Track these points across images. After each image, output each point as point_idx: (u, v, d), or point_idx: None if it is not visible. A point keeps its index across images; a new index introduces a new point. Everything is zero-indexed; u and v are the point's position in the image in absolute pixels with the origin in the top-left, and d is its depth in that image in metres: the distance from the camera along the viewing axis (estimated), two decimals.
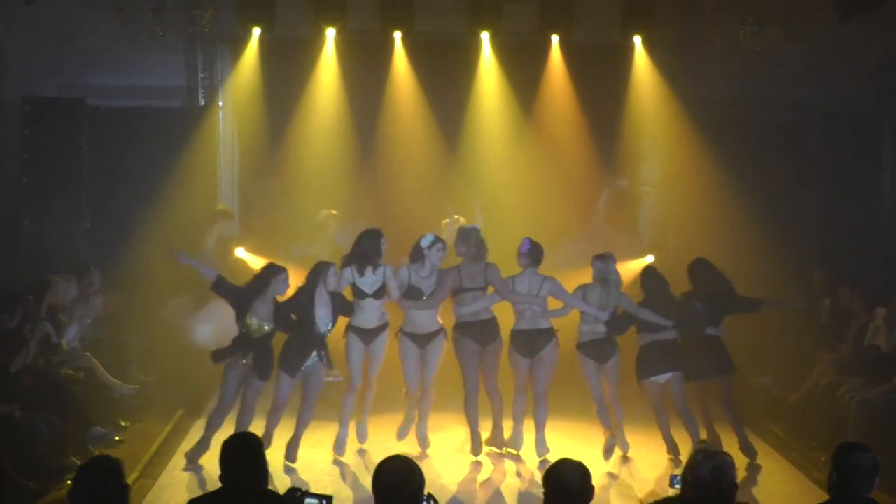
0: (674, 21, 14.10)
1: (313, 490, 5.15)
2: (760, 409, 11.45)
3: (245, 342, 9.28)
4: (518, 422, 9.90)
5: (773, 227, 13.35)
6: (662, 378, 9.84)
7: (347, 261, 9.70)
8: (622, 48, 14.16)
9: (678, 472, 5.30)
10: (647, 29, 13.89)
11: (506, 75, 14.10)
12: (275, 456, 9.04)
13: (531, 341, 9.72)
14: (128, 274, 12.50)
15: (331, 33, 13.82)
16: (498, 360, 9.87)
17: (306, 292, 9.41)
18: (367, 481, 7.84)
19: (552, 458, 9.20)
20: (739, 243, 12.92)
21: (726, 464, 4.93)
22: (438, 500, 4.80)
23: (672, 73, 14.10)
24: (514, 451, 9.91)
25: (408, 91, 14.08)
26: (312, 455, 9.76)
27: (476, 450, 9.81)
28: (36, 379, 9.61)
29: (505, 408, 9.94)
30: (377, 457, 7.59)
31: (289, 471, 9.35)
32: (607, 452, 9.74)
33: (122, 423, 10.54)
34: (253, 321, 9.22)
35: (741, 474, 9.00)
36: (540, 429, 9.78)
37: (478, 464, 9.74)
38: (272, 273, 9.28)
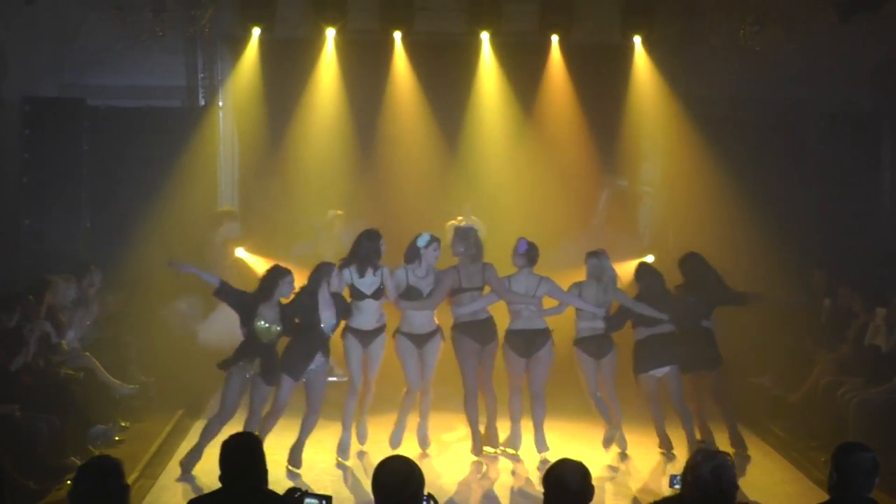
0: (674, 21, 14.11)
1: (313, 490, 5.15)
2: (760, 409, 11.43)
3: (252, 347, 9.11)
4: (515, 422, 9.89)
5: (773, 227, 13.34)
6: (660, 372, 9.85)
7: (347, 262, 9.65)
8: (622, 48, 14.17)
9: (676, 471, 5.30)
10: (647, 29, 13.90)
11: (506, 75, 14.12)
12: (271, 458, 8.98)
13: (529, 341, 9.72)
14: (128, 274, 12.51)
15: (331, 33, 13.83)
16: (494, 360, 9.87)
17: (309, 293, 9.31)
18: (367, 482, 7.81)
19: (551, 457, 9.24)
20: (739, 243, 12.93)
21: (726, 464, 4.93)
22: (438, 500, 4.80)
23: (672, 72, 14.12)
24: (512, 451, 9.91)
25: (408, 91, 14.08)
26: (313, 455, 9.72)
27: (476, 450, 9.81)
28: (36, 379, 9.60)
29: (499, 407, 9.93)
30: (377, 457, 7.57)
31: (290, 474, 9.29)
32: (607, 442, 9.81)
33: (123, 423, 10.52)
34: (261, 325, 9.08)
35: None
36: (538, 427, 9.79)
37: (478, 464, 9.73)
38: (278, 275, 9.13)
